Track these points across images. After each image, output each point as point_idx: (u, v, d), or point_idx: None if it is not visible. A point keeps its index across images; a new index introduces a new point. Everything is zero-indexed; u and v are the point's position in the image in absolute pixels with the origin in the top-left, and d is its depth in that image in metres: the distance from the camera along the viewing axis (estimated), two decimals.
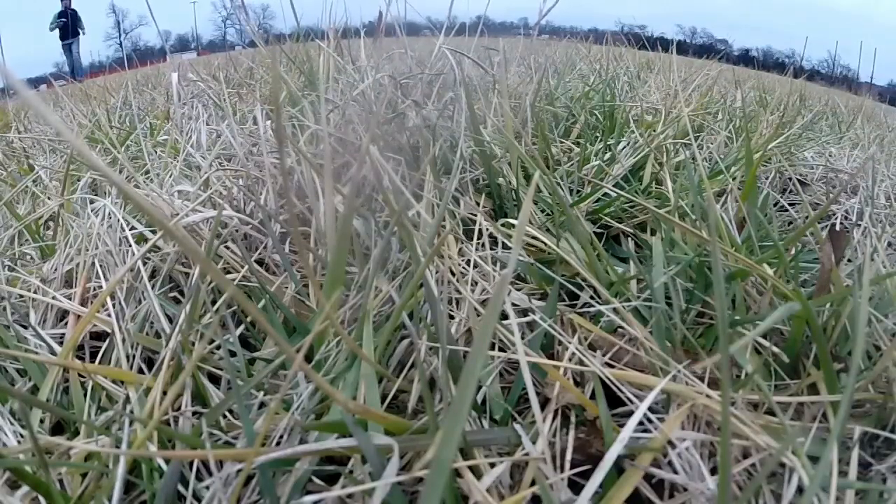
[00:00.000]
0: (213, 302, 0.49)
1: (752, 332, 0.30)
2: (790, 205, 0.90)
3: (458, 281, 0.47)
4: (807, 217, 0.54)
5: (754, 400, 0.38)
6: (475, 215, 0.53)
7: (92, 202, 0.65)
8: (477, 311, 0.45)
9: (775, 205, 0.87)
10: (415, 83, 0.81)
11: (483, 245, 0.51)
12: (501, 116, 0.85)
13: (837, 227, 0.79)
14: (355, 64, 1.02)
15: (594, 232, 0.64)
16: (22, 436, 0.38)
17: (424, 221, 0.52)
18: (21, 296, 0.53)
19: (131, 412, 0.39)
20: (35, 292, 0.53)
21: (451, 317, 0.46)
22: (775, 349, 0.43)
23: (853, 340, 0.37)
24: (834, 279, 0.45)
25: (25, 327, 0.49)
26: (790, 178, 0.95)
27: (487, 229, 0.52)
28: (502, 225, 0.58)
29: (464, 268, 0.50)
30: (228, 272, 0.55)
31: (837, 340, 0.43)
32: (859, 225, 0.73)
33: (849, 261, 0.59)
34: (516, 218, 0.59)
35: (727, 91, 1.75)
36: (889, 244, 0.69)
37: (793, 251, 0.57)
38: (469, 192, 0.69)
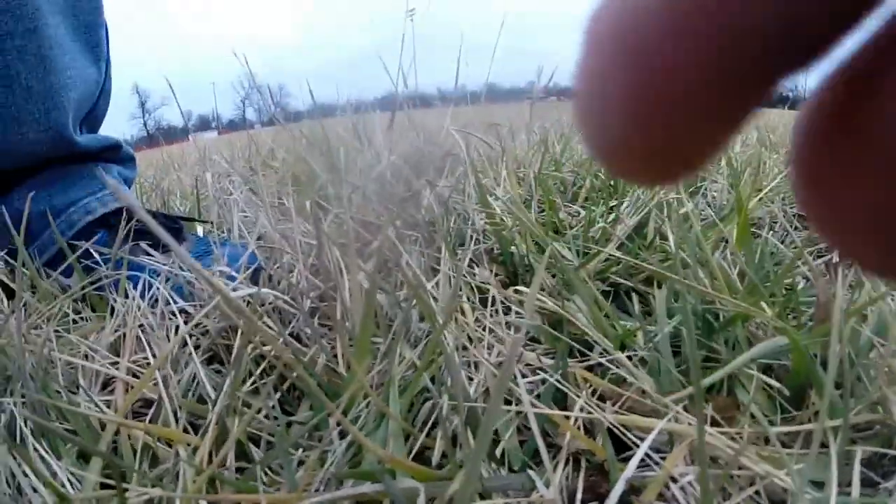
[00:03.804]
0: (250, 373, 0.54)
1: (730, 364, 0.34)
2: (790, 244, 0.94)
3: (475, 346, 0.52)
4: (801, 254, 0.59)
5: (762, 433, 0.41)
6: (490, 284, 0.58)
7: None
8: (493, 373, 0.49)
9: (782, 241, 0.91)
10: (427, 162, 0.88)
11: (497, 311, 0.56)
12: (510, 188, 0.91)
13: (834, 261, 0.82)
14: (371, 144, 1.10)
15: (604, 290, 0.69)
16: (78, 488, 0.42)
17: (442, 293, 0.57)
18: (69, 363, 0.58)
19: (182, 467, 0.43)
20: (85, 358, 0.58)
21: (471, 378, 0.50)
22: (776, 383, 0.46)
23: (829, 374, 0.40)
24: (828, 311, 0.48)
25: (74, 393, 0.54)
26: (794, 216, 1.00)
27: (501, 298, 0.56)
28: (514, 292, 0.62)
29: (480, 333, 0.55)
30: (265, 344, 0.59)
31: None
32: None
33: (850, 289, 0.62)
34: (529, 284, 0.64)
35: None
36: None
37: (798, 287, 0.60)
38: (483, 261, 0.74)
